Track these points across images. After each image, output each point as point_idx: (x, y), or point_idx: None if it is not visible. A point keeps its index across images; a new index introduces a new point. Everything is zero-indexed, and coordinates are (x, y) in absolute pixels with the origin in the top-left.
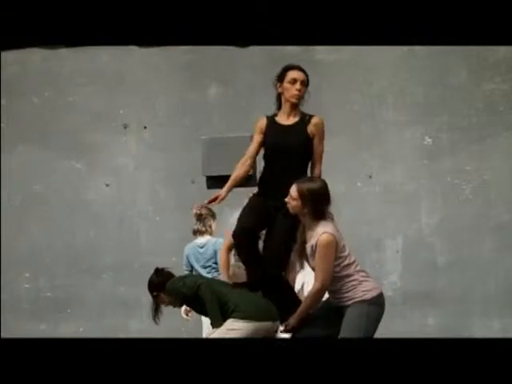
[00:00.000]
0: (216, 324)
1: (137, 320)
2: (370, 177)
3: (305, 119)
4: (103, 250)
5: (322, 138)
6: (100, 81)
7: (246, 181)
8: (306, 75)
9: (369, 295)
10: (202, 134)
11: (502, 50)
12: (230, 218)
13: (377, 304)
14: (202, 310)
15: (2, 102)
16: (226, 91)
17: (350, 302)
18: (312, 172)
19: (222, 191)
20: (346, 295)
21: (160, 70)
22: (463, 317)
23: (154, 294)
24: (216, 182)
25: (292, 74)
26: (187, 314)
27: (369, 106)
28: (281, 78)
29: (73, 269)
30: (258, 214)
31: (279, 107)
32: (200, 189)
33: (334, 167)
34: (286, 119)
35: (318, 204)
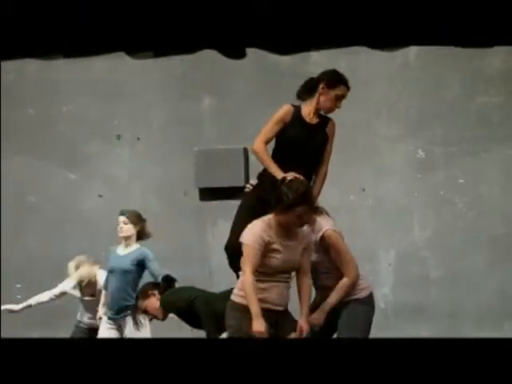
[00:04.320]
0: (212, 338)
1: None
2: (364, 190)
3: (324, 120)
4: (96, 261)
5: (333, 140)
6: (94, 91)
7: (238, 193)
8: (348, 91)
9: (362, 294)
10: (195, 145)
11: (495, 63)
12: (223, 229)
13: (369, 304)
14: (197, 324)
15: None
16: (220, 103)
17: (343, 300)
18: (319, 171)
19: (279, 172)
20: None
21: (154, 81)
22: (456, 330)
23: (149, 292)
24: (209, 193)
25: (342, 90)
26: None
27: (362, 119)
28: (331, 84)
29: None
30: (251, 221)
31: (304, 98)
32: (193, 201)
33: (328, 180)
34: (311, 117)
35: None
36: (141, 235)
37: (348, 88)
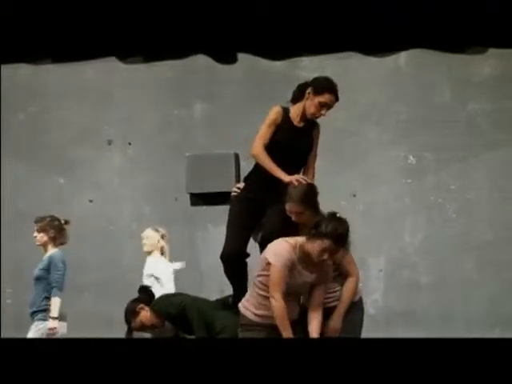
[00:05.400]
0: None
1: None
2: (354, 195)
3: (311, 124)
4: (86, 267)
5: (317, 142)
6: (85, 96)
7: (229, 199)
8: (337, 101)
9: (356, 297)
10: (186, 150)
11: (485, 70)
12: (213, 235)
13: (361, 308)
14: (188, 330)
15: None
16: (211, 108)
17: (335, 303)
18: (306, 173)
19: (284, 175)
20: (332, 295)
21: (145, 86)
22: (446, 336)
23: (137, 308)
24: (199, 198)
25: (326, 99)
26: None
27: (353, 125)
28: (317, 90)
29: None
30: (245, 226)
31: (294, 101)
32: (183, 206)
33: (318, 185)
34: (298, 121)
35: (316, 200)
36: (59, 240)
37: (336, 97)
